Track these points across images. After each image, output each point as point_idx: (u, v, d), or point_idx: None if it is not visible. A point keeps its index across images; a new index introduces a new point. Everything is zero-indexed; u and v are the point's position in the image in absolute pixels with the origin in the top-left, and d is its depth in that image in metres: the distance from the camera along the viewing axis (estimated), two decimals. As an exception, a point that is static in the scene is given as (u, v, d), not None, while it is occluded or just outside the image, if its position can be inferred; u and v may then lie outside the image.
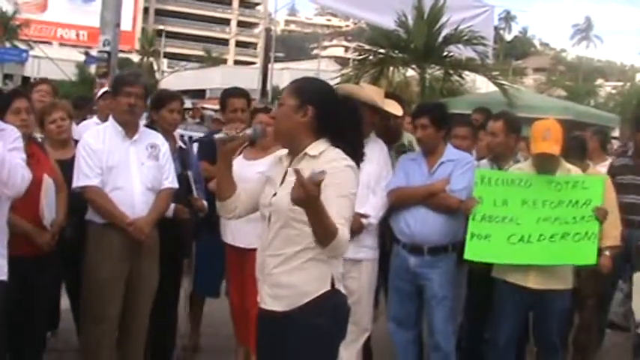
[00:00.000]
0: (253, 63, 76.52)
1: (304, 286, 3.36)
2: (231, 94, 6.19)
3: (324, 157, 3.36)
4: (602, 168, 6.57)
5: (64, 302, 5.66)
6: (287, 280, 3.37)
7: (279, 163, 3.58)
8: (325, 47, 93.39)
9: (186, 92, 27.90)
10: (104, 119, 6.22)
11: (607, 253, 5.35)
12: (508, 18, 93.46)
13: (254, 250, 5.23)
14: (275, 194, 3.44)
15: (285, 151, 3.55)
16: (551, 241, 4.95)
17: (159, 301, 5.15)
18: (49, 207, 4.66)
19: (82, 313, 5.04)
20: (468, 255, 5.00)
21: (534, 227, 4.96)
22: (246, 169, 5.36)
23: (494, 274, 5.15)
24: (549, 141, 4.98)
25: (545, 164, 5.08)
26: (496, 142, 5.53)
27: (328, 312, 3.39)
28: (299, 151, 3.44)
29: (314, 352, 3.39)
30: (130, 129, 4.99)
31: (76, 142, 5.28)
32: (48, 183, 4.63)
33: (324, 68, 45.52)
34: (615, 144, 15.44)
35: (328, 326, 3.39)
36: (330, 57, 75.33)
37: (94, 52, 24.40)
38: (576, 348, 6.16)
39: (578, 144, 6.07)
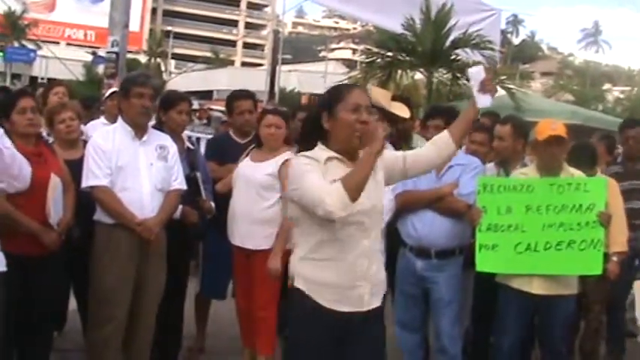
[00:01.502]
0: (260, 65, 76.64)
1: (385, 276, 3.75)
2: (237, 96, 6.21)
3: None
4: (610, 173, 6.57)
5: (71, 302, 5.67)
6: (382, 275, 3.70)
7: (339, 168, 3.53)
8: (333, 49, 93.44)
9: (193, 93, 27.90)
10: (112, 120, 6.24)
11: (614, 258, 5.33)
12: (516, 22, 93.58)
13: (261, 251, 5.30)
14: (368, 198, 3.50)
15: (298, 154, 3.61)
16: (557, 250, 4.95)
17: (165, 302, 5.15)
18: (56, 206, 4.68)
19: (89, 314, 5.04)
20: (479, 267, 5.01)
21: (540, 234, 4.96)
22: (253, 171, 5.38)
23: (499, 280, 5.14)
24: (558, 130, 5.00)
25: (549, 166, 5.07)
26: (503, 147, 5.52)
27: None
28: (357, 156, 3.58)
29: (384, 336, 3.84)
30: (140, 130, 5.00)
31: (84, 142, 5.30)
32: (55, 182, 4.65)
33: (332, 71, 45.63)
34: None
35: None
36: (337, 59, 75.42)
37: (101, 53, 24.46)
38: (582, 354, 6.14)
39: (589, 152, 6.04)
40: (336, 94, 3.58)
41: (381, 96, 5.57)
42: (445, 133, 3.83)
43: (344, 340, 3.57)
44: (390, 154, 3.74)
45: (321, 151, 3.53)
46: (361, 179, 3.37)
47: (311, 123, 3.66)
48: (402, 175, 3.83)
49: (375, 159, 3.42)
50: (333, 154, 3.53)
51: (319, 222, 3.45)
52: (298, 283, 3.58)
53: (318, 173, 3.42)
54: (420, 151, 3.87)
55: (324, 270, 3.53)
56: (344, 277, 3.52)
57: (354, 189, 3.34)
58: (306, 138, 3.66)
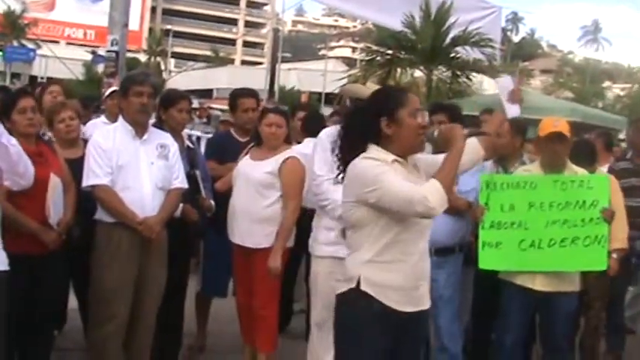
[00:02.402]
0: (260, 63, 76.63)
1: None
2: (241, 94, 6.28)
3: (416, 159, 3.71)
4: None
5: (72, 301, 5.67)
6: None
7: (409, 169, 3.60)
8: (332, 48, 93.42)
9: (193, 92, 27.86)
10: (112, 119, 6.25)
11: (614, 255, 5.34)
12: (515, 19, 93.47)
13: (261, 250, 5.31)
14: None
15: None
16: (561, 246, 4.95)
17: (165, 300, 5.15)
18: (56, 206, 4.68)
19: (90, 313, 5.04)
20: (481, 265, 5.01)
21: (543, 231, 4.96)
22: (252, 169, 5.39)
23: (501, 276, 5.15)
24: (560, 127, 5.01)
25: (552, 163, 5.08)
26: (501, 144, 5.51)
27: None
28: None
29: None
30: (140, 129, 5.00)
31: (85, 141, 5.30)
32: (55, 182, 4.66)
33: (332, 69, 45.57)
34: (624, 146, 15.40)
35: None
36: (337, 57, 75.31)
37: (101, 52, 24.45)
38: (583, 350, 6.15)
39: (588, 148, 6.06)
40: (397, 99, 3.58)
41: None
42: (473, 139, 3.83)
43: (398, 340, 3.60)
44: (426, 157, 3.75)
45: (383, 154, 3.51)
46: (453, 178, 3.52)
47: (366, 127, 3.59)
48: None
49: (460, 158, 3.50)
50: (394, 156, 3.53)
51: (386, 224, 3.48)
52: (364, 286, 3.55)
53: (394, 174, 3.43)
54: None
55: (391, 272, 3.54)
56: (409, 278, 3.58)
57: (449, 187, 3.44)
58: (359, 142, 3.58)
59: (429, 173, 3.61)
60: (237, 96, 6.27)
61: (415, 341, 3.74)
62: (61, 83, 7.56)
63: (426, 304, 3.70)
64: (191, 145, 5.77)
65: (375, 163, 3.46)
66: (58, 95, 6.71)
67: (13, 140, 3.97)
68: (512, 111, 3.93)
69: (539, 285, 5.00)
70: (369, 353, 3.56)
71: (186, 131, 6.11)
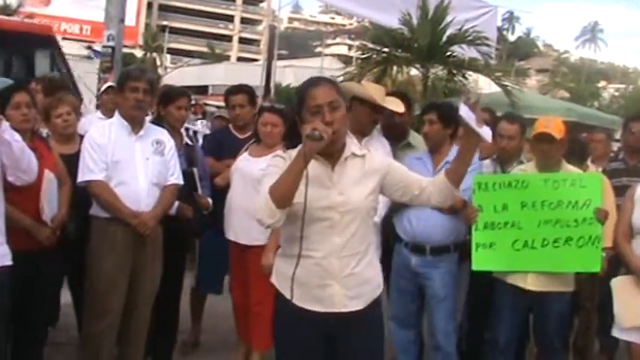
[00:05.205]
0: (256, 60, 76.49)
1: (377, 279, 3.57)
2: (229, 91, 6.34)
3: (367, 154, 3.51)
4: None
5: (65, 297, 5.67)
6: (366, 277, 3.48)
7: (318, 165, 3.38)
8: (328, 45, 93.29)
9: (188, 88, 27.81)
10: (108, 114, 6.24)
11: (604, 254, 5.34)
12: (512, 18, 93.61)
13: (257, 246, 5.32)
14: (341, 194, 3.38)
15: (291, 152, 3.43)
16: (554, 247, 4.91)
17: (161, 296, 5.16)
18: (50, 202, 4.67)
19: (85, 307, 5.04)
20: (475, 266, 4.98)
21: (536, 231, 4.92)
22: (250, 166, 5.40)
23: (495, 275, 5.15)
24: (551, 128, 4.97)
25: (544, 164, 5.06)
26: (512, 146, 5.49)
27: (380, 302, 3.62)
28: (341, 152, 3.43)
29: (382, 342, 3.63)
30: (136, 124, 4.99)
31: (81, 136, 5.29)
32: (49, 178, 4.65)
33: (328, 66, 45.55)
34: (616, 146, 15.42)
35: (381, 316, 3.68)
36: (333, 55, 75.31)
37: (97, 47, 24.39)
38: (576, 350, 6.16)
39: (578, 146, 6.06)
40: (300, 98, 3.39)
41: (374, 90, 5.57)
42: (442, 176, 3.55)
43: (329, 339, 3.49)
44: (405, 171, 3.59)
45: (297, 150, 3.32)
46: (286, 185, 3.18)
47: (291, 130, 3.53)
48: (409, 200, 3.63)
49: (303, 161, 3.15)
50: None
51: (288, 218, 3.28)
52: (273, 279, 3.58)
53: (276, 176, 3.26)
54: (431, 186, 3.58)
55: (291, 266, 3.40)
56: (311, 275, 3.39)
57: (279, 196, 3.18)
58: (290, 143, 3.52)
59: (394, 185, 3.51)
60: (227, 93, 6.33)
61: (356, 344, 3.49)
62: (44, 80, 7.46)
63: (343, 307, 3.41)
64: (190, 142, 5.76)
65: (273, 162, 3.43)
66: (35, 93, 6.57)
67: (17, 136, 3.98)
68: (486, 133, 3.49)
69: (530, 284, 4.97)
70: (282, 347, 3.59)
71: (184, 126, 6.11)
